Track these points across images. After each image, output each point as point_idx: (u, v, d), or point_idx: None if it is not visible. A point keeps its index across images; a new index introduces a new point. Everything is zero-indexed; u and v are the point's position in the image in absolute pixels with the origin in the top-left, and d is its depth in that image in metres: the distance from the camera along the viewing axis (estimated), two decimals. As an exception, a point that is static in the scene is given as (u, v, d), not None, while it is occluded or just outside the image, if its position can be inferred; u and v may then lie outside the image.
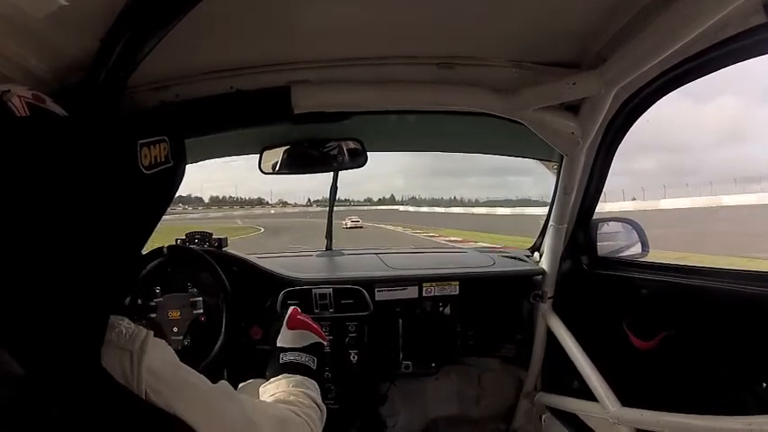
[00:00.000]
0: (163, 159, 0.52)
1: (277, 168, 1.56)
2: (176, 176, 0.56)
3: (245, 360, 1.34)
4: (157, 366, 0.54)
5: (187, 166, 0.59)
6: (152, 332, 0.56)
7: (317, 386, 0.88)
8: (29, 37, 0.64)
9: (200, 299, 1.36)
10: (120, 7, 0.65)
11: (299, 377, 0.85)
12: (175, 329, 1.34)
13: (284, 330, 0.92)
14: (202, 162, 1.75)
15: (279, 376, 0.84)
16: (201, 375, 0.60)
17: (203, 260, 1.39)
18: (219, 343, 1.32)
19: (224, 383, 0.63)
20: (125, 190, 0.49)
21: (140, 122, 0.54)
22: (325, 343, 0.99)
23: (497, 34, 0.98)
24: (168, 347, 0.59)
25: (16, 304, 0.42)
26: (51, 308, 0.44)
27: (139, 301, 1.26)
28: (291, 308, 0.97)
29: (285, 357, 0.89)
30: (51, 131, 0.44)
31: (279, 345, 0.91)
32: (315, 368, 0.90)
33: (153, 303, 1.29)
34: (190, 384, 0.58)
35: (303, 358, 0.90)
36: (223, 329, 1.33)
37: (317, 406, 0.83)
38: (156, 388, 0.52)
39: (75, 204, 0.44)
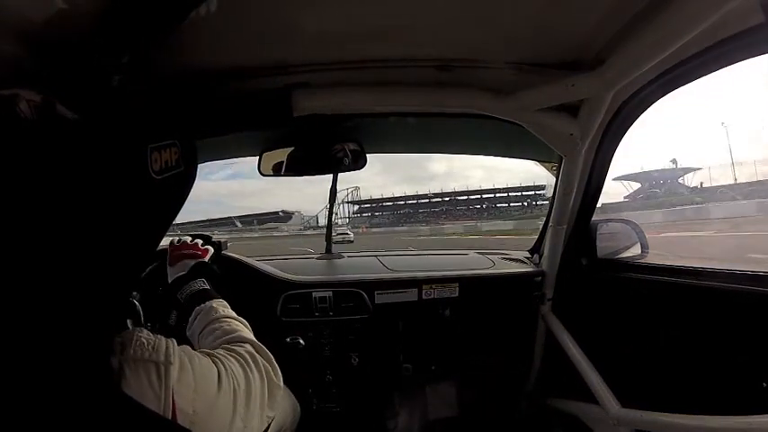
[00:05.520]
0: (174, 164, 0.52)
1: (279, 171, 1.56)
2: (187, 181, 0.56)
3: None
4: (184, 374, 0.54)
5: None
6: (173, 339, 0.56)
7: (223, 301, 0.92)
8: (28, 39, 0.64)
9: None
10: (120, 10, 0.65)
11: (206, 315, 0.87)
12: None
13: (168, 269, 1.01)
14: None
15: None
16: (213, 369, 0.60)
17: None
18: None
19: (225, 391, 0.62)
20: (134, 195, 0.48)
21: (150, 126, 0.54)
22: (206, 259, 1.04)
23: (496, 36, 0.98)
24: (190, 351, 0.59)
25: (21, 308, 0.41)
26: (57, 313, 0.43)
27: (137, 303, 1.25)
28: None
29: (182, 294, 0.94)
30: (59, 136, 0.43)
31: (170, 281, 0.98)
32: (209, 286, 0.96)
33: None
34: (208, 385, 0.58)
35: (196, 285, 0.95)
36: None
37: (235, 319, 0.87)
38: (183, 394, 0.53)
39: (82, 209, 0.44)
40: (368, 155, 1.52)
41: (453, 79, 1.11)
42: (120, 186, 0.46)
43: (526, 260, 1.78)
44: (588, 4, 0.84)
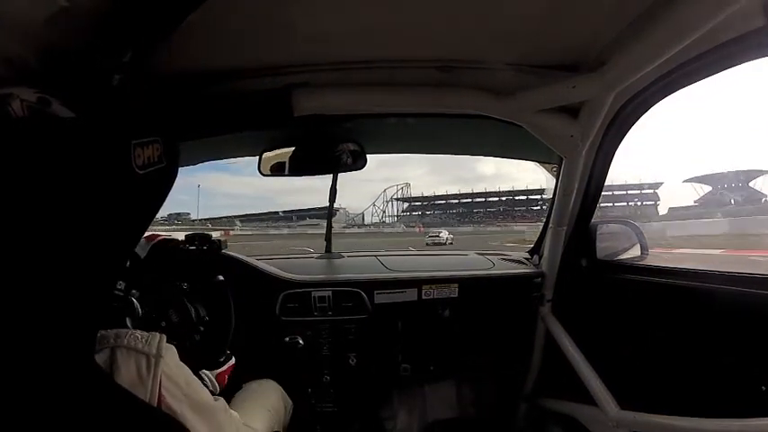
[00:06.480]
0: (156, 159, 0.53)
1: (278, 171, 1.56)
2: (169, 177, 0.57)
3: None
4: (173, 371, 0.57)
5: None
6: (165, 337, 0.58)
7: None
8: (29, 39, 0.64)
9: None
10: (121, 10, 0.65)
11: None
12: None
13: (214, 374, 1.02)
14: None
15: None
16: (204, 386, 0.63)
17: (186, 253, 1.37)
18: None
19: (221, 399, 0.67)
20: (118, 189, 0.49)
21: (134, 122, 0.55)
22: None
23: (497, 37, 0.98)
24: (187, 368, 0.62)
25: (5, 302, 0.43)
26: (39, 306, 0.44)
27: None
28: (233, 362, 1.08)
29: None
30: (47, 134, 0.44)
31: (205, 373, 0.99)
32: None
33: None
34: (200, 394, 0.61)
35: None
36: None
37: None
38: (172, 391, 0.55)
39: (66, 202, 0.45)
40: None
41: (454, 80, 1.11)
42: (104, 180, 0.48)
43: (526, 261, 1.78)
44: (589, 5, 0.84)
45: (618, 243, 1.66)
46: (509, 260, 1.83)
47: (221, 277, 1.19)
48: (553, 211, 1.52)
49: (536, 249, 1.75)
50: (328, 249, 2.02)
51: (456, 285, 1.62)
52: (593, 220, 1.55)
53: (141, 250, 1.08)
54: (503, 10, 0.86)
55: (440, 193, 63.21)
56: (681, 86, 1.08)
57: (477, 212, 58.90)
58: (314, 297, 1.55)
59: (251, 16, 0.84)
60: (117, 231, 0.51)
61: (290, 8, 0.82)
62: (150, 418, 0.51)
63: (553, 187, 1.51)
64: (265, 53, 1.01)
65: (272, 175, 1.56)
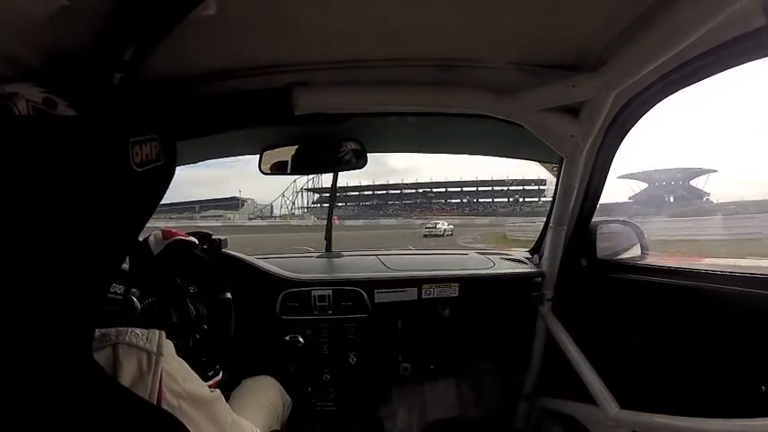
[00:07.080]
0: (154, 157, 0.53)
1: (278, 169, 1.56)
2: (167, 175, 0.57)
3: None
4: (173, 367, 0.58)
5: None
6: (164, 333, 0.59)
7: None
8: (30, 38, 0.65)
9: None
10: (122, 8, 0.66)
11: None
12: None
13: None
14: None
15: None
16: (200, 379, 0.64)
17: (200, 260, 1.38)
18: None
19: (217, 390, 0.69)
20: (116, 187, 0.50)
21: (132, 120, 0.55)
22: None
23: (497, 36, 0.98)
24: (186, 364, 0.63)
25: (3, 301, 0.43)
26: (36, 303, 0.45)
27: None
28: (220, 377, 1.07)
29: None
30: (49, 134, 0.45)
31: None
32: None
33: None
34: (197, 387, 0.62)
35: None
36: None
37: None
38: (171, 387, 0.56)
39: (65, 201, 0.45)
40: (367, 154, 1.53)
41: (454, 79, 1.11)
42: (103, 177, 0.48)
43: (526, 260, 1.78)
44: (590, 5, 0.84)
45: (618, 243, 1.66)
46: (509, 259, 1.84)
47: (229, 295, 1.19)
48: (553, 211, 1.52)
49: (536, 249, 1.75)
50: (328, 248, 2.03)
51: (456, 285, 1.62)
52: (593, 220, 1.55)
53: (156, 246, 1.08)
54: (503, 9, 0.86)
55: (353, 184, 60.74)
56: (681, 86, 1.07)
57: (392, 205, 57.95)
58: (314, 296, 1.55)
59: (251, 14, 0.84)
60: (114, 229, 0.51)
61: (290, 6, 0.82)
62: (150, 416, 0.52)
63: (553, 186, 1.52)
64: (265, 51, 1.01)
65: (273, 173, 1.56)
